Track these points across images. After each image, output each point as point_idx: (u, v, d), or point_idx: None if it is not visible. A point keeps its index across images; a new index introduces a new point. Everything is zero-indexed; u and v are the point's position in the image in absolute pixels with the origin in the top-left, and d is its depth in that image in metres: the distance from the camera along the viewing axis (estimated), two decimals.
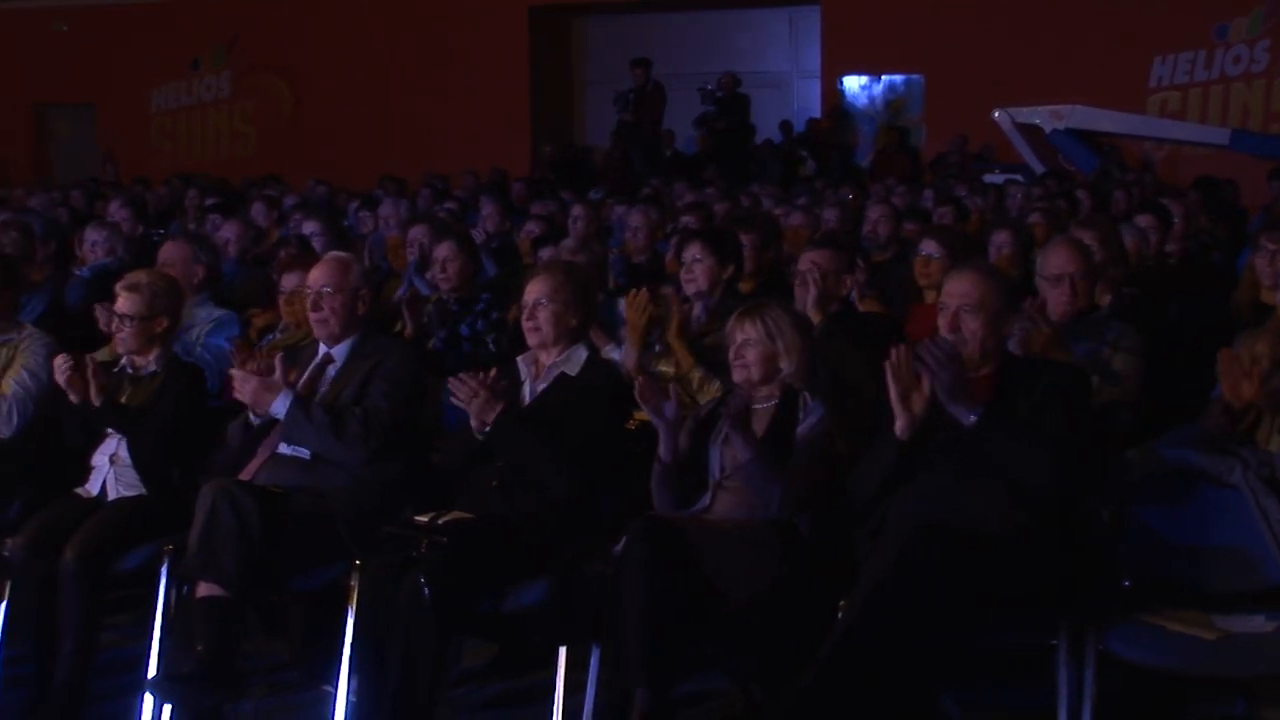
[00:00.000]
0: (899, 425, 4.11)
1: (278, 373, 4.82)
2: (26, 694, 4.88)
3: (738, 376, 4.54)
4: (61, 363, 4.98)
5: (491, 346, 6.39)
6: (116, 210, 10.09)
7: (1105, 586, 4.21)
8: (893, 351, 4.10)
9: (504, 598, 4.44)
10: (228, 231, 8.37)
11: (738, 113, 17.78)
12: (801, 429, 4.44)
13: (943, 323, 4.28)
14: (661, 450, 4.48)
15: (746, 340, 4.52)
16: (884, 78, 19.69)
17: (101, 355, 5.62)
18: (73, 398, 4.98)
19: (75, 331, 6.16)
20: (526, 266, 8.04)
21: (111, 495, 5.05)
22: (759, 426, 4.47)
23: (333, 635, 4.55)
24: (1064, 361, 4.68)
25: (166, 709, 4.59)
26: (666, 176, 15.65)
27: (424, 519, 4.47)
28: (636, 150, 17.36)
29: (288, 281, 6.23)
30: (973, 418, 4.05)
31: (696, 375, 5.44)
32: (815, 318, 5.39)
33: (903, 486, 4.17)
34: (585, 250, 6.68)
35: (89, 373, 4.95)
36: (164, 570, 4.80)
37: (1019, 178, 15.28)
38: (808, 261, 5.71)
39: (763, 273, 6.94)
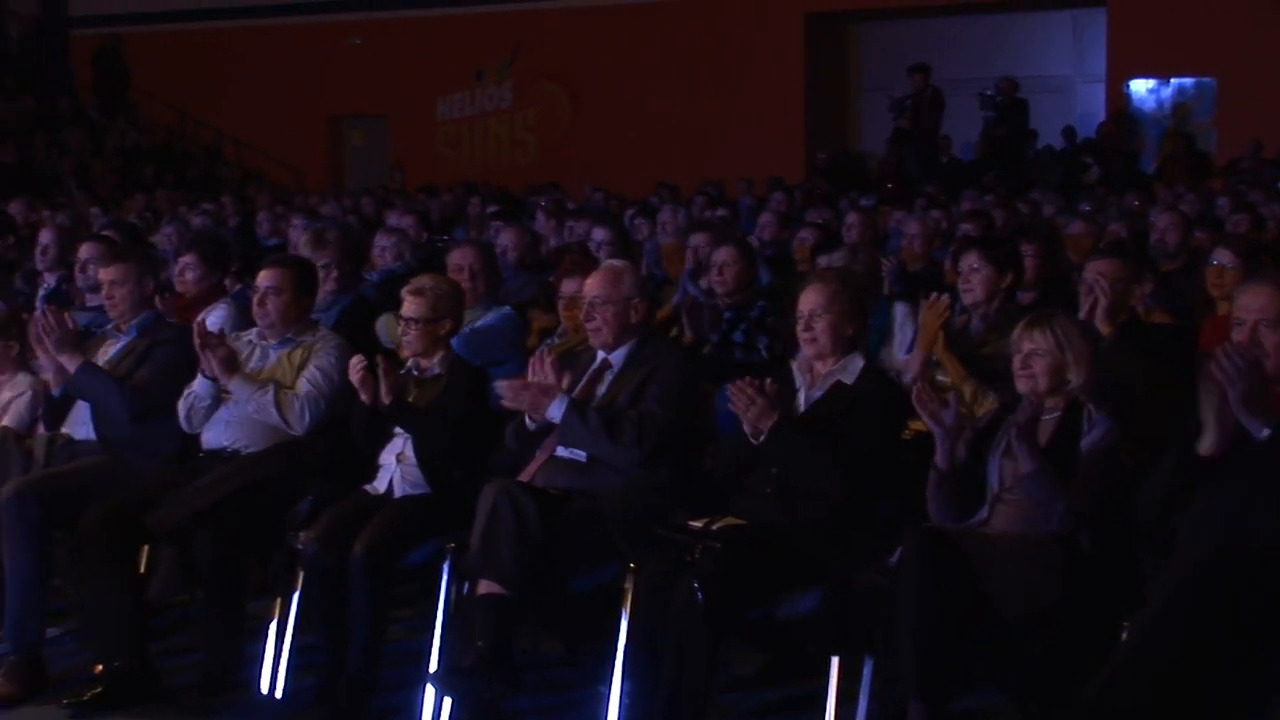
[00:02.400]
0: (1209, 441, 3.92)
1: (554, 378, 4.91)
2: (317, 682, 5.08)
3: (1023, 386, 4.43)
4: (356, 363, 5.16)
5: (764, 353, 6.39)
6: (402, 217, 10.43)
7: None
8: (1220, 355, 3.88)
9: (777, 605, 4.44)
10: (507, 238, 8.55)
11: (1016, 119, 17.39)
12: (1086, 442, 4.32)
13: (1239, 338, 4.08)
14: (939, 459, 4.41)
15: (1034, 350, 4.41)
16: (1173, 81, 19.01)
17: (392, 334, 5.84)
18: (364, 397, 5.16)
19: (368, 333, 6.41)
20: (801, 274, 8.01)
21: (398, 493, 5.21)
22: (1041, 438, 4.36)
23: (607, 635, 4.62)
24: None
25: (447, 702, 4.72)
26: (943, 183, 15.43)
27: (698, 524, 4.51)
28: (913, 156, 17.16)
29: (567, 287, 6.34)
30: (1266, 431, 3.85)
31: (969, 388, 5.33)
32: (1105, 330, 5.22)
33: (1191, 504, 4.00)
34: (860, 258, 6.61)
35: (381, 372, 5.12)
36: (446, 567, 4.95)
37: None
38: (1095, 272, 5.54)
39: (1044, 282, 6.75)
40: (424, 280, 5.50)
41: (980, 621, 4.05)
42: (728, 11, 20.26)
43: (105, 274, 5.78)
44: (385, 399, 5.11)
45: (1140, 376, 4.79)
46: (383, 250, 8.20)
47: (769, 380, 4.63)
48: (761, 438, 4.59)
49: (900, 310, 6.29)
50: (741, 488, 4.71)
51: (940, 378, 5.45)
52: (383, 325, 6.45)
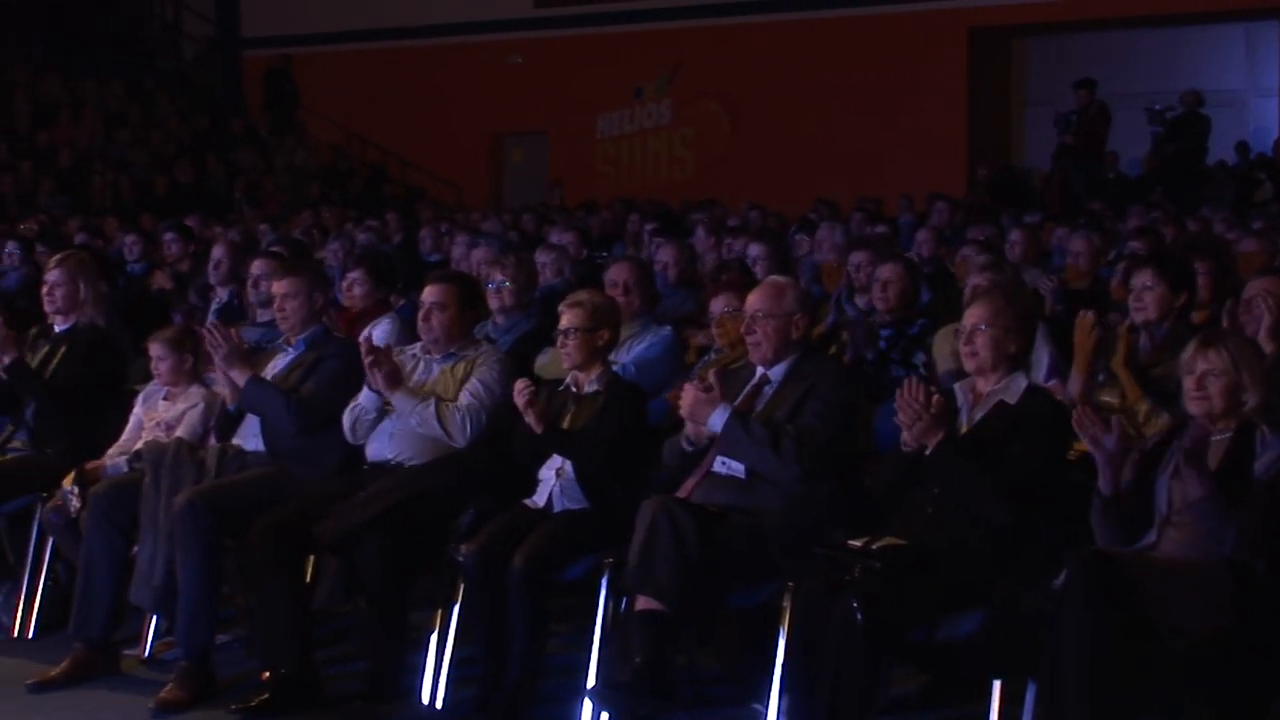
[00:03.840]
0: None
1: (715, 387, 4.91)
2: (477, 693, 5.13)
3: (1197, 409, 4.31)
4: (522, 387, 5.20)
5: (922, 371, 6.32)
6: (562, 234, 10.52)
7: None
8: None
9: (937, 626, 4.38)
10: (666, 255, 8.57)
11: (1192, 134, 16.92)
12: (1259, 465, 4.19)
13: None
14: (1101, 483, 4.32)
15: (1209, 370, 4.28)
16: None
17: (549, 373, 5.88)
18: (530, 421, 5.17)
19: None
20: (962, 291, 7.91)
21: (557, 508, 5.26)
22: (1212, 461, 4.24)
23: (765, 653, 4.60)
24: None
25: (604, 716, 4.74)
26: (1109, 200, 15.12)
27: (857, 543, 4.47)
28: (1078, 172, 16.84)
29: (715, 305, 6.35)
30: None
31: (1144, 407, 5.21)
32: (1269, 347, 5.09)
33: None
34: (992, 279, 6.51)
35: (523, 404, 5.13)
36: (604, 582, 4.98)
37: None
38: (1261, 289, 5.40)
39: (1218, 302, 6.58)
40: (581, 294, 5.56)
41: (1148, 648, 3.95)
42: (890, 26, 20.11)
43: (277, 287, 5.92)
44: (537, 429, 5.15)
45: None
46: (543, 266, 8.27)
47: (937, 395, 4.57)
48: (926, 452, 4.54)
49: (1039, 330, 6.18)
50: (902, 507, 4.67)
51: (1105, 398, 5.34)
52: (542, 361, 6.45)
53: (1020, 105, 21.10)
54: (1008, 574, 4.40)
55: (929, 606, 4.37)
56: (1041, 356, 6.03)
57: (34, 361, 6.29)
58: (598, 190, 20.41)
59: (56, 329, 6.44)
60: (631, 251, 11.15)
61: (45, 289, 6.45)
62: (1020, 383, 4.72)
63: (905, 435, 4.60)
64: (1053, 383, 5.80)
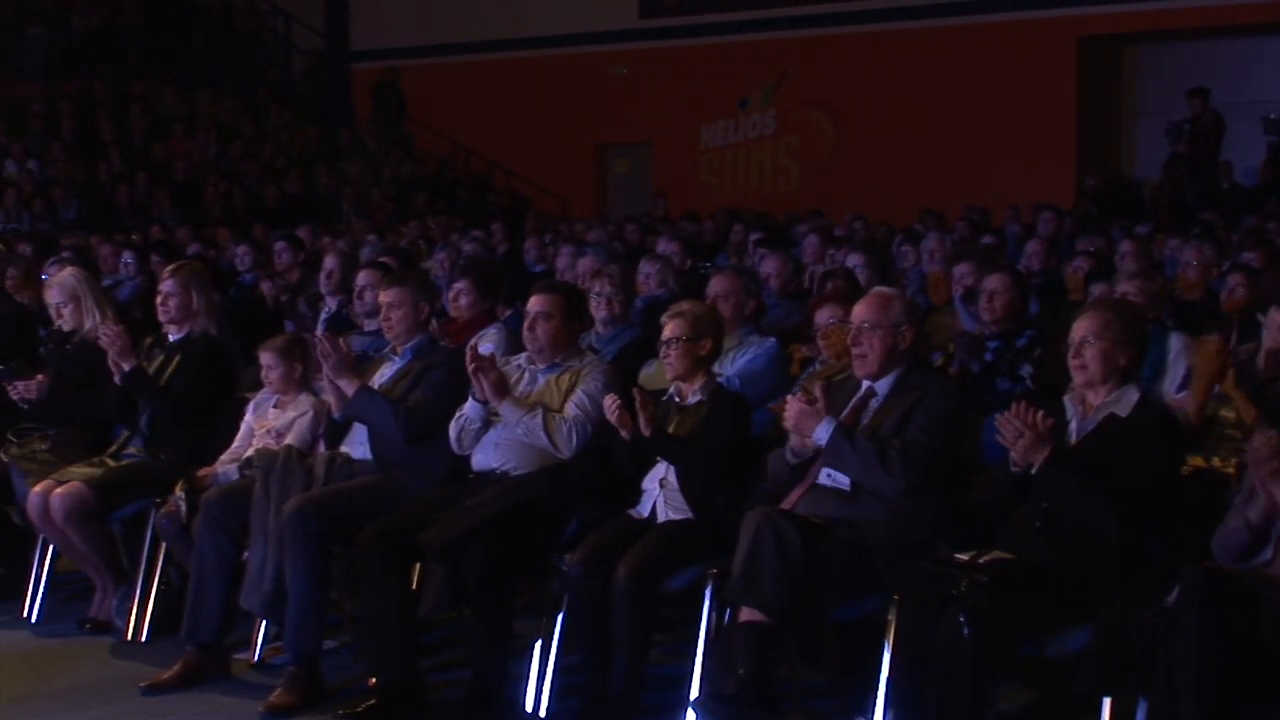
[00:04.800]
0: None
1: (820, 400, 4.89)
2: (580, 702, 5.15)
3: None
4: (610, 403, 5.22)
5: (1029, 383, 6.25)
6: (666, 244, 10.53)
7: None
8: None
9: (1046, 642, 4.34)
10: (770, 266, 8.55)
11: None
12: None
13: None
14: (1253, 516, 4.20)
15: None
16: None
17: (653, 384, 5.88)
18: (624, 435, 5.22)
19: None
20: (1072, 303, 7.82)
21: (661, 518, 5.26)
22: None
23: (869, 667, 4.57)
24: None
25: None
26: (1222, 210, 14.86)
27: (964, 557, 4.42)
28: (1190, 182, 16.57)
29: (820, 316, 6.33)
30: None
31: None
32: None
33: None
34: (1140, 287, 6.41)
35: (639, 405, 5.17)
36: (708, 593, 4.97)
37: None
38: None
39: None
40: (683, 304, 5.58)
41: (1266, 668, 3.87)
42: (997, 36, 19.93)
43: (384, 297, 5.99)
44: (645, 431, 5.16)
45: None
46: (647, 277, 8.29)
47: (1041, 413, 4.51)
48: (1032, 470, 4.48)
49: (1176, 342, 6.08)
50: (1009, 521, 4.61)
51: (1223, 412, 5.25)
52: (646, 372, 6.46)
53: (1130, 114, 20.80)
54: (1118, 590, 4.34)
55: (1037, 622, 4.32)
56: (1178, 368, 5.94)
57: (149, 370, 6.41)
58: (701, 201, 20.41)
59: (170, 338, 6.56)
60: (735, 262, 11.13)
61: (159, 299, 6.58)
62: (1131, 395, 4.65)
63: (1013, 455, 4.54)
64: (1182, 395, 5.71)
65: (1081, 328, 4.71)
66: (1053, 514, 4.49)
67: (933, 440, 4.83)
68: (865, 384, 5.09)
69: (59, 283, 7.01)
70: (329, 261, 8.64)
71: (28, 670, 5.91)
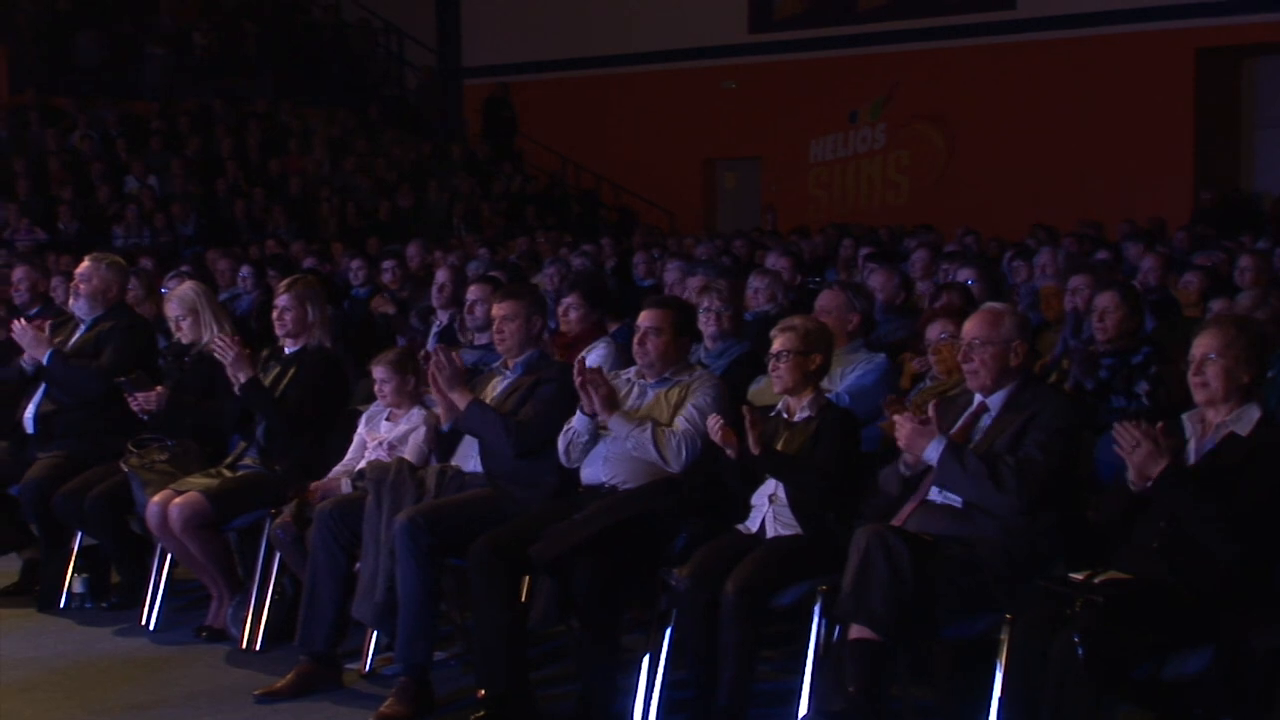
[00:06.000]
0: None
1: (932, 419, 4.85)
2: (688, 717, 5.15)
3: None
4: (714, 423, 5.20)
5: (1145, 400, 6.14)
6: (776, 259, 10.51)
7: None
8: None
9: (1163, 663, 4.26)
10: (878, 280, 8.50)
11: None
12: None
13: None
14: None
15: None
16: None
17: (762, 399, 5.87)
18: (730, 454, 5.20)
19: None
20: (1188, 320, 7.69)
21: (770, 533, 5.24)
22: None
23: (981, 686, 4.52)
24: None
25: None
26: None
27: (1079, 576, 4.36)
28: None
29: (931, 331, 6.28)
30: None
31: None
32: None
33: None
34: (1264, 304, 6.28)
35: (748, 423, 5.15)
36: (817, 609, 4.95)
37: None
38: None
39: None
40: (793, 318, 5.57)
41: None
42: (1112, 48, 19.67)
43: (497, 311, 6.03)
44: (754, 450, 5.14)
45: None
46: (756, 292, 8.27)
47: (1159, 424, 4.43)
48: (1147, 484, 4.41)
49: None
50: (1126, 540, 4.54)
51: None
52: (755, 387, 6.43)
53: (1250, 127, 20.42)
54: (1238, 611, 4.25)
55: (1154, 643, 4.25)
56: None
57: (265, 382, 6.51)
58: (810, 215, 20.35)
59: (286, 351, 6.66)
60: (844, 277, 11.07)
61: (275, 312, 6.69)
62: (1253, 414, 4.55)
63: (1130, 473, 4.47)
64: None
65: (1203, 344, 4.62)
66: (1171, 533, 4.41)
67: (1049, 457, 4.76)
68: (977, 399, 5.04)
69: (178, 296, 7.15)
70: (440, 275, 8.72)
71: (145, 677, 6.02)
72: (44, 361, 7.02)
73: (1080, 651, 4.08)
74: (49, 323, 7.33)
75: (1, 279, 9.22)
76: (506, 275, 8.59)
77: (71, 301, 7.38)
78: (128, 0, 22.33)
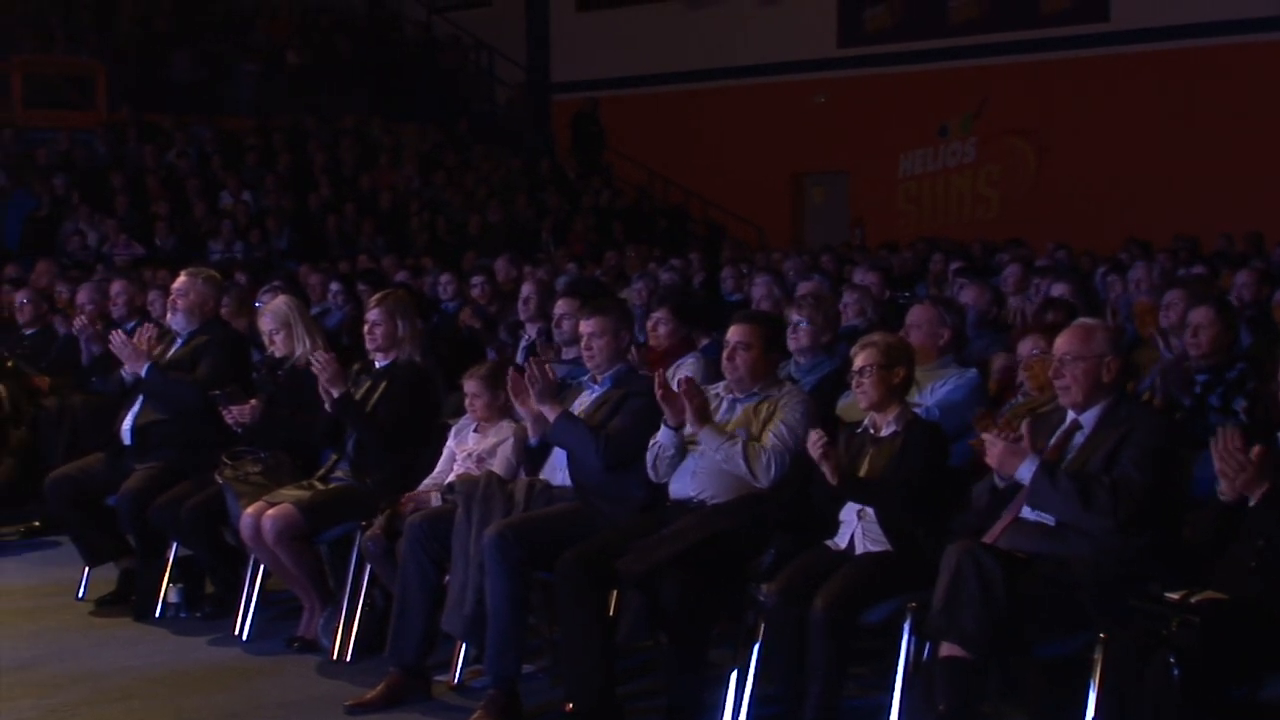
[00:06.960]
0: None
1: (1024, 438, 4.80)
2: None
3: None
4: (815, 439, 5.15)
5: (1242, 417, 6.04)
6: (864, 274, 10.46)
7: None
8: None
9: (1261, 685, 4.18)
10: (969, 295, 8.43)
11: None
12: None
13: None
14: None
15: None
16: None
17: (851, 415, 5.84)
18: (828, 474, 5.14)
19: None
20: None
21: (859, 549, 5.22)
22: None
23: (1073, 706, 4.47)
24: None
25: None
26: None
27: (1175, 596, 4.29)
28: None
29: (1024, 347, 6.22)
30: None
31: None
32: None
33: None
34: None
35: (820, 455, 5.09)
36: (907, 627, 4.91)
37: None
38: None
39: None
40: (874, 334, 5.57)
41: None
42: (1209, 60, 19.40)
43: (585, 325, 6.05)
44: (832, 480, 5.11)
45: None
46: (845, 307, 8.24)
47: (1258, 446, 4.36)
48: (1250, 503, 4.33)
49: None
50: (1223, 559, 4.47)
51: None
52: (843, 403, 6.37)
53: None
54: None
55: (1252, 664, 4.17)
56: None
57: (356, 395, 6.57)
58: (899, 229, 20.24)
59: (377, 365, 6.73)
60: (934, 292, 11.00)
61: (366, 327, 6.76)
62: None
63: (1223, 485, 4.40)
64: None
65: None
66: (1269, 552, 4.34)
67: (1145, 475, 4.69)
68: (1070, 416, 4.98)
69: (272, 310, 7.24)
70: (525, 289, 8.77)
71: (238, 686, 6.09)
72: (142, 374, 7.13)
73: (1176, 672, 4.03)
74: (151, 331, 7.43)
75: (100, 293, 9.37)
76: (589, 290, 8.61)
77: (168, 316, 7.50)
78: (223, 19, 22.69)
